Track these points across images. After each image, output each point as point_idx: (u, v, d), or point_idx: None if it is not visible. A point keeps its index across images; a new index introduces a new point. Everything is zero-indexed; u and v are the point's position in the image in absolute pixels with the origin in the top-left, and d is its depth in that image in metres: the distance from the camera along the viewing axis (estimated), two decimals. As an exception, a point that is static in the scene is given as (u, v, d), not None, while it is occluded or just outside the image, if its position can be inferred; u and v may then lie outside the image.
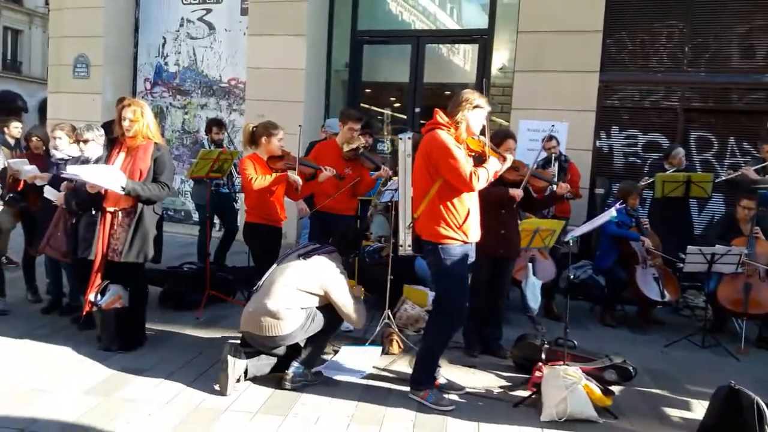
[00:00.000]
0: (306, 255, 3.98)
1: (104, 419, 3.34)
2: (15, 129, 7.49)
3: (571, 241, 4.13)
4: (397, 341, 4.64)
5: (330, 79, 9.53)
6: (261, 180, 4.56)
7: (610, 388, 3.85)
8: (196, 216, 9.48)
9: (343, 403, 3.68)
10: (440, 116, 3.73)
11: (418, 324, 5.15)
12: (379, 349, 4.58)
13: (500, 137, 4.53)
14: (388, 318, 4.83)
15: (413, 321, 5.17)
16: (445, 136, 3.64)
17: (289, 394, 3.76)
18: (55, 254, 4.95)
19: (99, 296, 4.31)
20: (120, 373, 3.96)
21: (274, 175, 4.62)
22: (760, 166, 6.23)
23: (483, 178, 3.63)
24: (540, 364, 3.92)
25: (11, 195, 5.15)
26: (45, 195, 4.88)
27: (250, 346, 3.94)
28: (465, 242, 3.71)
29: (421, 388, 3.76)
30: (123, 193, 4.14)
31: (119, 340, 4.34)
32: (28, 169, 5.01)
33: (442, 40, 9.58)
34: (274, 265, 4.03)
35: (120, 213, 4.29)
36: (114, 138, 4.42)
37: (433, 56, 9.50)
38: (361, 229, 6.48)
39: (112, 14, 9.95)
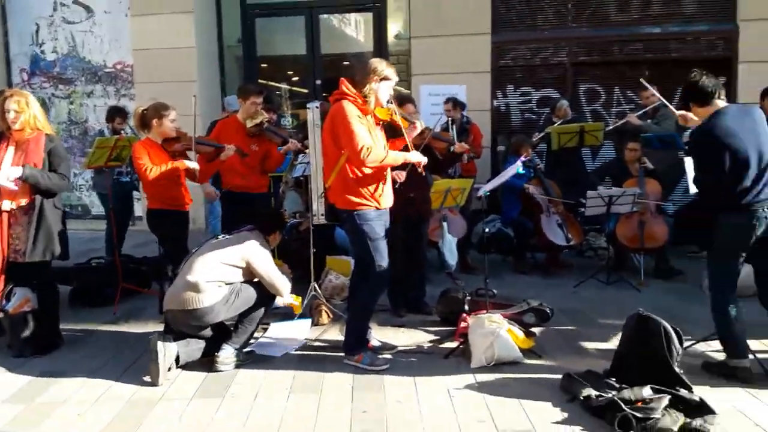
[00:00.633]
0: (225, 234, 3.98)
1: (30, 426, 3.17)
2: None
3: (484, 196, 4.30)
4: (325, 311, 4.69)
5: (223, 56, 9.23)
6: (156, 170, 4.30)
7: (531, 330, 4.11)
8: (95, 209, 9.01)
9: (280, 376, 3.70)
10: (346, 86, 3.72)
11: (344, 293, 5.20)
12: (309, 321, 4.61)
13: (400, 102, 4.58)
14: (315, 290, 4.85)
15: (339, 290, 5.23)
16: (349, 107, 3.64)
17: (223, 375, 3.72)
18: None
19: (4, 301, 4.04)
20: (39, 378, 3.76)
21: (169, 164, 4.36)
22: (641, 112, 6.73)
23: (376, 157, 3.60)
24: (464, 315, 4.12)
25: None
26: None
27: (178, 334, 3.85)
28: (378, 208, 3.77)
29: (355, 353, 3.83)
30: (21, 180, 3.86)
31: (32, 345, 4.10)
32: None
33: (335, 11, 9.49)
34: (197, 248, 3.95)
35: (17, 211, 4.00)
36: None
37: (329, 27, 9.41)
38: (276, 206, 6.42)
39: (-28, 2, 9.08)
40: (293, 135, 6.08)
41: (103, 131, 6.50)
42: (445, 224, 5.53)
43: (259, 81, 9.09)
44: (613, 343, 3.81)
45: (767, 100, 6.02)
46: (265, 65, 9.54)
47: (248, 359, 3.92)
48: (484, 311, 4.05)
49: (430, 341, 4.25)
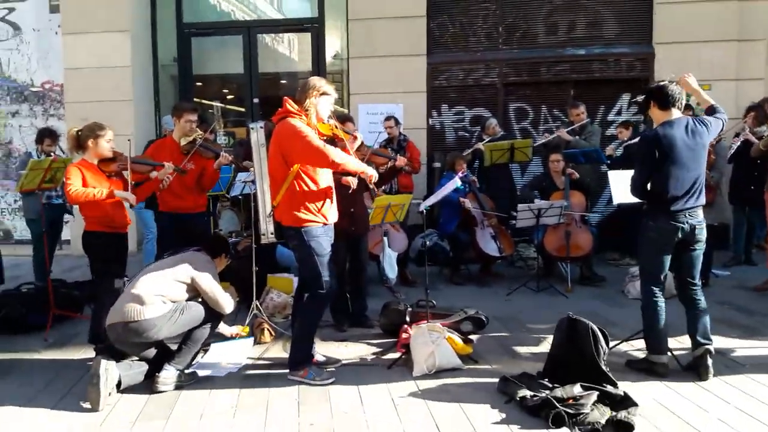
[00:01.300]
0: (172, 253, 3.98)
1: None
2: None
3: (425, 211, 4.47)
4: (268, 329, 4.71)
5: (158, 75, 9.13)
6: (81, 192, 4.12)
7: (469, 337, 4.29)
8: (18, 234, 8.68)
9: (225, 395, 3.71)
10: (290, 104, 3.82)
11: (285, 311, 5.24)
12: (251, 340, 4.62)
13: (340, 121, 4.73)
14: (257, 308, 4.88)
15: (281, 308, 5.27)
16: (296, 122, 3.75)
17: (166, 397, 3.69)
18: None
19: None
20: None
21: (98, 192, 4.17)
22: (571, 128, 7.13)
23: (339, 153, 3.75)
24: (405, 326, 4.26)
25: None
26: None
27: (118, 355, 3.79)
28: (325, 224, 3.87)
29: (299, 368, 3.88)
30: None
31: None
32: None
33: (273, 30, 9.58)
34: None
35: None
36: None
37: (266, 46, 9.50)
38: (214, 226, 6.41)
39: None
40: (229, 152, 6.08)
41: (31, 153, 6.28)
42: (386, 239, 5.67)
43: (194, 99, 9.06)
44: (545, 346, 4.03)
45: (750, 116, 6.43)
46: (200, 84, 9.51)
47: (191, 380, 3.89)
48: (425, 321, 4.20)
49: (373, 353, 4.36)
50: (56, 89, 8.74)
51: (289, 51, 10.19)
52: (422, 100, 8.30)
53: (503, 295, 5.83)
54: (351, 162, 3.83)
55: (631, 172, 3.95)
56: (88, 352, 4.37)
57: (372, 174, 3.93)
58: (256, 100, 9.00)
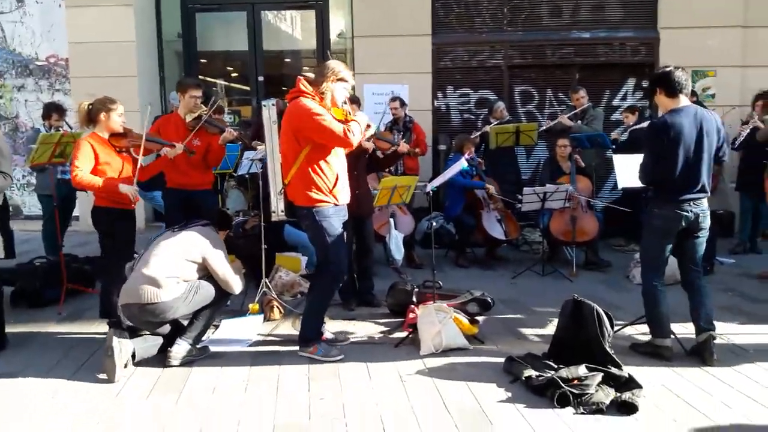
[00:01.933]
0: (181, 228, 3.99)
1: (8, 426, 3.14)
2: None
3: (431, 192, 4.51)
4: (277, 307, 4.79)
5: (162, 51, 9.08)
6: (85, 178, 4.13)
7: (475, 318, 4.36)
8: (27, 209, 8.71)
9: (236, 369, 3.79)
10: (303, 84, 3.83)
11: (294, 289, 5.32)
12: (261, 317, 4.69)
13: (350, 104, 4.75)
14: (266, 286, 4.94)
15: (289, 287, 5.34)
16: (310, 102, 3.77)
17: (179, 370, 3.77)
18: None
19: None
20: None
21: (101, 181, 4.18)
22: (572, 113, 7.16)
23: (356, 131, 3.80)
24: (412, 306, 4.33)
25: None
26: None
27: (133, 330, 3.87)
28: (336, 204, 3.92)
29: (309, 345, 3.96)
30: None
31: None
32: None
33: (277, 7, 9.51)
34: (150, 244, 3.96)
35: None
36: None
37: (271, 23, 9.44)
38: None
39: None
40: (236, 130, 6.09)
41: (39, 129, 6.28)
42: (392, 220, 5.73)
43: (199, 77, 9.03)
44: (550, 329, 4.11)
45: (758, 104, 6.44)
46: (204, 61, 9.47)
47: (202, 354, 3.97)
48: (432, 302, 4.27)
49: (381, 332, 4.44)
50: (61, 63, 8.70)
51: (293, 29, 10.13)
52: (427, 81, 8.29)
53: (508, 278, 5.91)
54: (362, 126, 3.90)
55: (636, 157, 3.99)
56: (102, 326, 4.42)
57: (368, 122, 4.01)
58: (261, 78, 8.97)
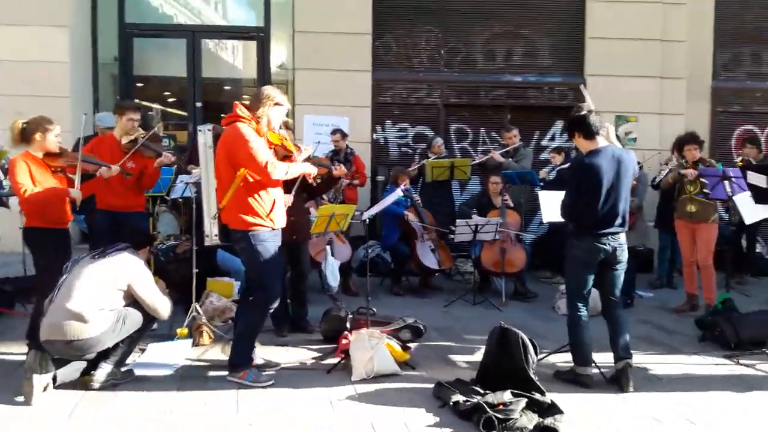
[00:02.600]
0: (101, 254, 3.84)
1: None
2: None
3: (367, 220, 4.59)
4: (207, 332, 4.69)
5: (98, 73, 8.90)
6: (35, 192, 4.12)
7: (407, 344, 4.42)
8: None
9: (162, 393, 3.70)
10: (240, 110, 3.86)
11: (225, 315, 5.23)
12: (189, 341, 4.59)
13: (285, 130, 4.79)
14: (196, 311, 4.84)
15: (220, 312, 5.25)
16: (245, 128, 3.79)
17: (101, 394, 3.64)
18: None
19: None
20: None
21: (48, 185, 4.20)
22: (503, 150, 7.47)
23: (281, 169, 3.82)
24: (346, 332, 4.35)
25: None
26: None
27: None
28: (273, 229, 3.92)
29: (239, 370, 3.89)
30: None
31: None
32: None
33: (218, 36, 9.53)
34: (66, 273, 3.78)
35: None
36: None
37: (211, 51, 9.43)
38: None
39: None
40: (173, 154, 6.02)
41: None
42: (329, 247, 5.76)
43: (135, 100, 8.87)
44: (479, 355, 4.20)
45: (747, 147, 6.85)
46: (141, 84, 9.33)
47: (126, 378, 3.85)
48: (365, 328, 4.30)
49: (313, 358, 4.43)
50: (-10, 80, 8.34)
51: (234, 58, 10.15)
52: (367, 115, 8.44)
53: (441, 307, 6.02)
54: (292, 170, 3.93)
55: (560, 193, 4.21)
56: (20, 347, 4.22)
57: (311, 171, 4.10)
58: (199, 104, 8.89)
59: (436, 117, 8.72)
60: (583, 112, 3.98)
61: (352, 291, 6.42)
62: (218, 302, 5.25)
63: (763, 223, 5.93)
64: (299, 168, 4.01)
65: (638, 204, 6.35)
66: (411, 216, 6.49)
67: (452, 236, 6.14)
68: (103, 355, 3.77)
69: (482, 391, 3.60)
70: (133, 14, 8.87)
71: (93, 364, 3.74)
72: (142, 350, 4.35)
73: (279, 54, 9.12)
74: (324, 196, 6.09)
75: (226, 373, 3.93)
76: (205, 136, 4.22)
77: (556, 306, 5.91)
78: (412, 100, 8.73)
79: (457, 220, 6.05)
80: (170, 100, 9.85)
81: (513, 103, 8.72)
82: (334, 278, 5.53)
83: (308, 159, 4.71)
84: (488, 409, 3.32)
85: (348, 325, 4.46)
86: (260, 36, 8.90)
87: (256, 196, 3.82)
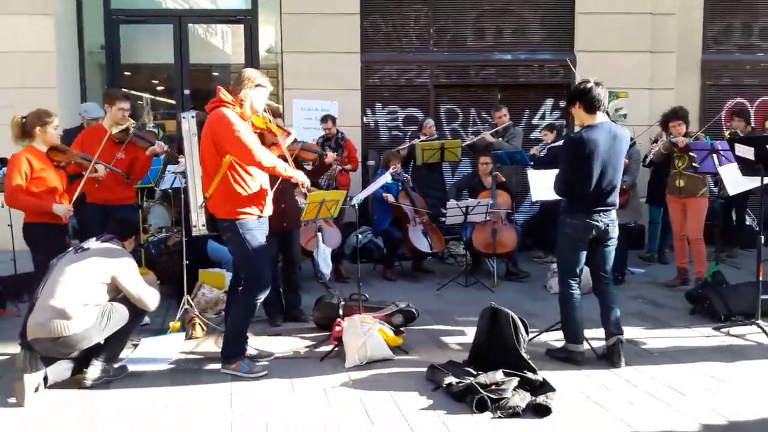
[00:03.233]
0: (84, 249, 3.78)
1: None
2: None
3: (356, 204, 4.57)
4: (199, 324, 4.69)
5: (84, 62, 8.80)
6: (23, 202, 4.21)
7: (400, 329, 4.44)
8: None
9: (156, 388, 3.69)
10: (223, 94, 3.80)
11: (217, 306, 5.23)
12: (182, 335, 4.59)
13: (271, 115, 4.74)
14: (188, 303, 4.83)
15: (212, 304, 5.24)
16: (229, 113, 3.73)
17: (94, 392, 3.63)
18: None
19: None
20: None
21: (35, 202, 4.24)
22: (494, 130, 7.44)
23: (268, 159, 3.75)
24: (338, 319, 4.36)
25: None
26: None
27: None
28: (260, 216, 3.89)
29: (232, 361, 3.89)
30: None
31: None
32: None
33: (205, 20, 9.43)
34: (51, 269, 3.73)
35: None
36: None
37: (198, 37, 9.33)
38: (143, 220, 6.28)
39: None
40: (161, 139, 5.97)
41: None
42: (320, 234, 5.76)
43: (122, 89, 8.79)
44: (471, 337, 4.20)
45: (735, 120, 6.85)
46: (129, 73, 9.24)
47: (120, 374, 3.84)
48: (358, 314, 4.32)
49: (307, 346, 4.44)
50: (-28, 73, 8.24)
51: (222, 43, 10.05)
52: (356, 98, 8.39)
53: (433, 290, 6.04)
54: (279, 166, 3.82)
55: (549, 172, 4.19)
56: (12, 348, 4.19)
57: (304, 181, 3.97)
58: (187, 92, 8.82)
59: (427, 98, 8.66)
60: (590, 84, 3.90)
61: (344, 277, 6.43)
62: (210, 294, 5.24)
63: (751, 195, 5.93)
64: (289, 170, 3.90)
65: (631, 181, 6.35)
66: (391, 198, 6.45)
67: (443, 219, 6.13)
68: (94, 352, 3.75)
69: (475, 372, 3.63)
70: (119, 0, 8.76)
71: (85, 362, 3.73)
72: (135, 345, 4.34)
73: (267, 37, 9.04)
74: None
75: (219, 365, 3.94)
76: (189, 122, 4.16)
77: (548, 285, 5.93)
78: (402, 82, 8.67)
79: (448, 203, 6.04)
80: (159, 88, 9.76)
81: (503, 82, 8.67)
82: (326, 265, 5.53)
83: (295, 143, 4.68)
84: (480, 390, 3.36)
85: (341, 312, 4.46)
86: (248, 19, 8.81)
87: (242, 183, 3.77)
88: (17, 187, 4.14)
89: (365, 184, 7.86)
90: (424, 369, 3.83)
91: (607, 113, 6.67)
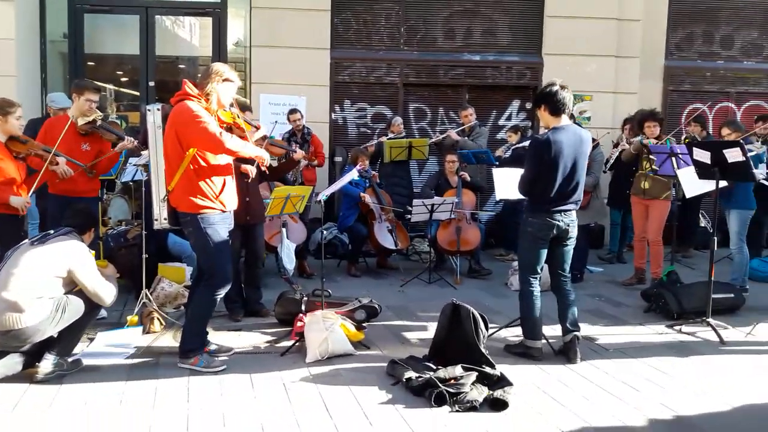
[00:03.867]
0: (41, 240, 3.69)
1: None
2: None
3: (322, 201, 4.56)
4: (158, 319, 4.61)
5: (46, 51, 8.58)
6: None
7: (362, 324, 4.44)
8: None
9: (111, 382, 3.63)
10: (189, 87, 3.77)
11: (177, 301, 5.16)
12: (139, 329, 4.51)
13: (240, 110, 4.71)
14: (146, 297, 4.76)
15: (172, 298, 5.17)
16: (194, 105, 3.69)
17: (46, 387, 3.54)
18: None
19: None
20: None
21: None
22: (460, 129, 7.51)
23: (235, 142, 3.73)
24: (300, 315, 4.34)
25: None
26: None
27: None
28: (223, 211, 3.86)
29: (190, 356, 3.85)
30: None
31: None
32: None
33: (173, 12, 9.27)
34: (5, 261, 3.65)
35: None
36: None
37: (165, 29, 9.18)
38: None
39: None
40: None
41: None
42: (284, 230, 5.72)
43: (93, 81, 8.59)
44: (432, 333, 4.24)
45: (626, 128, 6.97)
46: (92, 63, 9.04)
47: (74, 368, 3.75)
48: (320, 310, 4.30)
49: (267, 341, 4.41)
50: (-74, 59, 7.97)
51: (190, 35, 9.89)
52: (325, 93, 8.38)
53: (397, 286, 6.07)
54: (247, 148, 3.83)
55: (514, 171, 4.25)
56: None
57: (264, 156, 3.97)
58: (151, 84, 8.68)
59: (396, 96, 8.69)
60: (555, 87, 3.95)
61: (308, 273, 6.42)
62: (170, 288, 5.17)
63: (705, 197, 6.10)
64: (253, 149, 3.91)
65: (594, 182, 6.47)
66: (368, 198, 6.49)
67: (409, 216, 6.16)
68: (48, 346, 3.67)
69: (434, 367, 3.66)
70: (84, -11, 8.58)
71: (38, 356, 3.64)
72: (91, 339, 4.26)
73: (235, 31, 8.94)
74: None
75: (177, 359, 3.89)
76: (154, 115, 4.10)
77: (509, 282, 6.01)
78: (372, 79, 8.67)
79: (414, 200, 6.08)
80: (123, 79, 9.57)
81: (471, 83, 8.75)
82: (290, 261, 5.50)
83: (264, 139, 4.65)
84: (439, 384, 3.39)
85: (303, 307, 4.44)
86: (216, 12, 8.71)
87: (205, 177, 3.74)
88: None
89: (332, 180, 7.87)
90: (385, 364, 3.84)
91: (572, 115, 6.82)
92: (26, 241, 3.76)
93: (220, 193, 3.81)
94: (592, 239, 7.18)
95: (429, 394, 3.37)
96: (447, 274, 6.43)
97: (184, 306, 4.95)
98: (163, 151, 3.91)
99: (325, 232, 6.96)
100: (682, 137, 7.28)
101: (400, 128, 7.66)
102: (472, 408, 3.29)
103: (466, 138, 7.40)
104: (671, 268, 5.53)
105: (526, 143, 6.59)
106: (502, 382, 3.53)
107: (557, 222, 4.01)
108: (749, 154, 4.74)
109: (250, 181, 4.57)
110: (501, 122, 8.77)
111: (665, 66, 8.93)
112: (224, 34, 8.73)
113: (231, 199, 3.93)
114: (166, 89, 8.55)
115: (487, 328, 3.88)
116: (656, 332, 4.78)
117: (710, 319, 4.66)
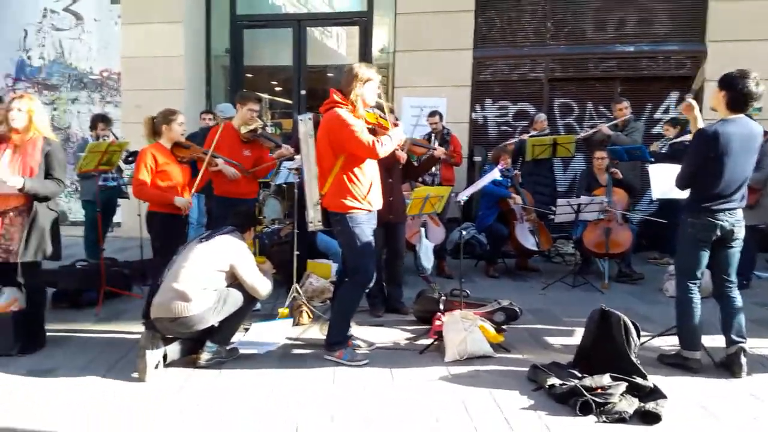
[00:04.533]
0: (207, 237, 4.06)
1: (28, 420, 3.27)
2: None
3: (462, 201, 4.54)
4: (306, 312, 4.87)
5: (210, 66, 9.44)
6: (146, 191, 4.58)
7: (502, 327, 4.35)
8: (72, 216, 9.11)
9: (264, 371, 3.87)
10: (336, 95, 3.94)
11: (323, 295, 5.40)
12: (290, 321, 4.78)
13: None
14: (296, 291, 5.03)
15: (319, 293, 5.42)
16: (343, 112, 3.86)
17: (208, 371, 3.86)
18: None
19: (-8, 300, 4.11)
20: (28, 378, 3.80)
21: (158, 194, 4.62)
22: (612, 123, 7.07)
23: (387, 144, 3.89)
24: (439, 314, 4.35)
25: None
26: None
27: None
28: (369, 211, 3.99)
29: (335, 349, 4.02)
30: (19, 191, 4.00)
31: (19, 344, 4.15)
32: None
33: (323, 23, 9.77)
34: (177, 255, 4.05)
35: (11, 212, 4.10)
36: (-1, 135, 4.20)
37: (315, 39, 9.68)
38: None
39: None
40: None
41: (88, 139, 6.63)
42: (423, 230, 5.77)
43: (244, 90, 9.31)
44: (576, 339, 4.06)
45: None
46: (250, 75, 9.77)
47: (231, 356, 4.06)
48: (459, 310, 4.28)
49: (407, 339, 4.47)
50: (113, 77, 9.15)
51: (337, 44, 10.36)
52: (466, 93, 8.35)
53: (538, 290, 5.86)
54: (392, 143, 3.95)
55: (672, 167, 3.92)
56: (136, 327, 4.58)
57: (402, 138, 4.13)
58: (303, 92, 9.20)
59: (540, 92, 8.43)
60: (749, 80, 3.53)
61: (446, 273, 6.41)
62: (317, 283, 5.42)
63: None
64: (396, 139, 4.03)
65: (763, 178, 5.78)
66: (518, 199, 6.34)
67: (552, 216, 5.92)
68: (209, 334, 4.01)
69: (579, 375, 3.49)
70: (244, 6, 9.34)
71: (200, 343, 3.99)
72: (246, 329, 4.58)
73: (381, 38, 9.21)
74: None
75: (323, 351, 4.07)
76: (306, 125, 4.34)
77: (664, 288, 5.55)
78: (514, 77, 8.49)
79: (558, 200, 5.83)
80: (277, 89, 10.26)
81: (624, 75, 8.24)
82: (427, 260, 5.53)
83: (405, 141, 4.74)
84: (585, 393, 3.22)
85: (441, 306, 4.45)
86: (363, 21, 9.04)
87: (354, 179, 3.91)
88: (142, 180, 4.54)
89: (470, 181, 7.81)
90: (525, 368, 3.73)
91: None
92: (195, 238, 4.16)
93: (367, 193, 3.96)
94: (760, 241, 6.41)
95: (574, 402, 3.21)
96: (593, 278, 6.10)
97: (330, 300, 5.20)
98: (315, 157, 4.13)
99: (463, 232, 6.93)
100: None
101: (544, 125, 7.41)
102: (621, 419, 3.09)
103: (619, 133, 6.96)
104: None
105: (686, 137, 6.06)
106: (654, 394, 3.27)
107: (721, 222, 3.65)
108: None
109: (391, 180, 4.65)
110: (657, 115, 8.16)
111: None
112: (370, 41, 9.03)
113: (377, 199, 4.06)
114: (315, 97, 9.01)
115: (639, 337, 3.62)
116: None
117: None
